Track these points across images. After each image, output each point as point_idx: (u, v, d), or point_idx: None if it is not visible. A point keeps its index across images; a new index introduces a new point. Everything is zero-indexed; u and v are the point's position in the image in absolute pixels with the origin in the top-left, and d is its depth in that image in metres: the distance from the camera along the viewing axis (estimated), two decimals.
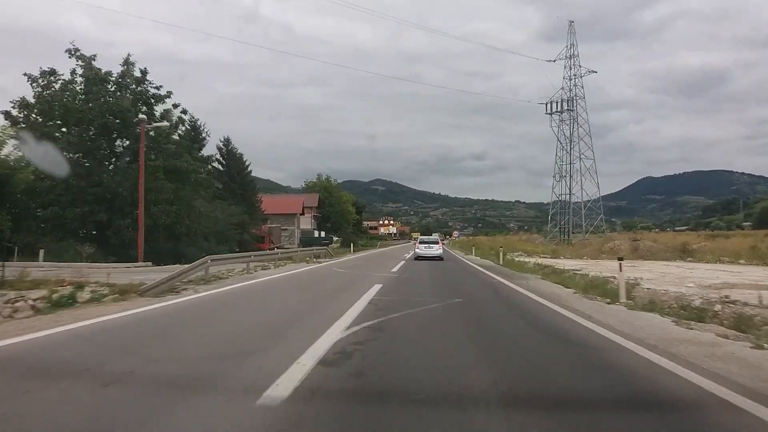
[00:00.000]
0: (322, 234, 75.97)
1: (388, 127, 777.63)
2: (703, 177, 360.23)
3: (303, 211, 70.24)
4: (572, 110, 56.66)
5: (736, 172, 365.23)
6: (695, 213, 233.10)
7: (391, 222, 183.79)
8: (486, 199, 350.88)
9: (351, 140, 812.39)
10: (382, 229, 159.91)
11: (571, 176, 56.51)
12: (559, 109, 57.29)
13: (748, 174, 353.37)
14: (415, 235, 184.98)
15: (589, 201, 57.26)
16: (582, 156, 56.92)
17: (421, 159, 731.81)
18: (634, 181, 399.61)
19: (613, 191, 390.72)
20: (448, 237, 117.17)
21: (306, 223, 71.87)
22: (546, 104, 57.99)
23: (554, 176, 58.14)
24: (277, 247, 53.38)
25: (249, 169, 44.63)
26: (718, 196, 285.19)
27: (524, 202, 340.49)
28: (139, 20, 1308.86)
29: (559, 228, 56.92)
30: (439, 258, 30.42)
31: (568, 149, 56.19)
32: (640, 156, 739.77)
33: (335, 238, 66.57)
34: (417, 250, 31.36)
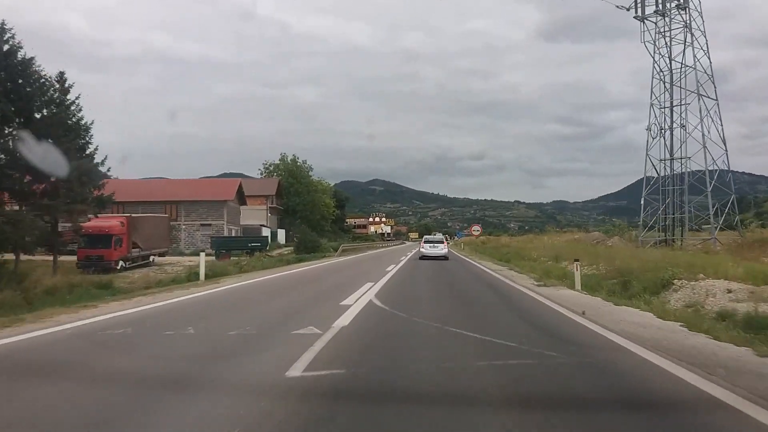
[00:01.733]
0: (280, 232, 52.85)
1: (387, 127, 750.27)
2: (703, 176, 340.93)
3: (242, 199, 46.70)
4: (684, 9, 30.82)
5: (737, 171, 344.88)
6: (698, 212, 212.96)
7: (384, 219, 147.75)
8: (485, 199, 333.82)
9: (348, 140, 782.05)
10: (372, 228, 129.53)
11: (682, 127, 31.42)
12: (659, 8, 31.66)
13: (749, 173, 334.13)
14: (412, 235, 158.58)
15: (715, 167, 32.08)
16: (700, 91, 30.02)
17: (420, 159, 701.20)
18: (634, 181, 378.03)
19: (614, 191, 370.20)
20: (449, 238, 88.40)
21: (255, 216, 48.45)
22: (633, 5, 32.37)
23: (648, 129, 32.54)
24: (159, 255, 29.93)
25: (56, 96, 19.94)
26: (719, 196, 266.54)
27: (524, 202, 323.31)
28: (134, 20, 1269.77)
29: (662, 221, 31.76)
30: (444, 257, 28.78)
31: (672, 81, 30.65)
32: (639, 156, 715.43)
33: (265, 240, 42.11)
34: (422, 250, 30.19)
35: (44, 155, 18.97)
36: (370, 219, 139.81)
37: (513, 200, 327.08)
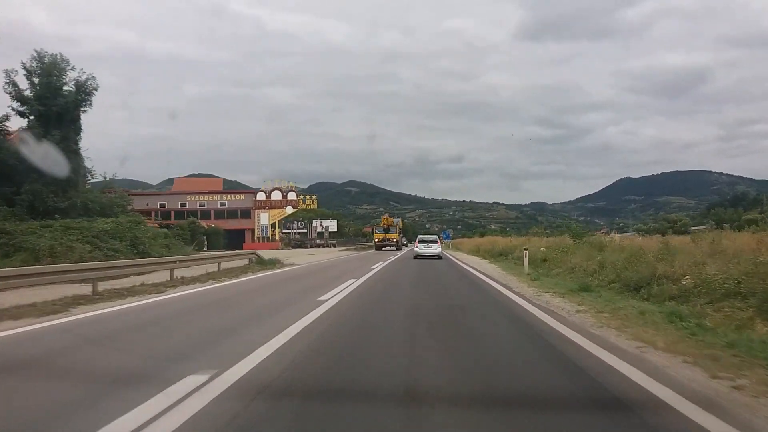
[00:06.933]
0: None
1: (364, 129, 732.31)
2: (682, 177, 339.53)
3: None
4: None
5: (715, 172, 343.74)
6: (678, 212, 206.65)
7: (307, 197, 78.61)
8: (464, 201, 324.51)
9: (325, 142, 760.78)
10: (264, 219, 71.08)
11: None
12: None
13: (727, 174, 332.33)
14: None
15: None
16: None
17: (398, 161, 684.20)
18: (612, 182, 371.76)
19: (592, 192, 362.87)
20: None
21: None
22: None
23: None
24: None
25: None
26: (699, 196, 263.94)
27: (503, 204, 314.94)
28: (101, 17, 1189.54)
29: None
30: (437, 257, 29.71)
31: None
32: (617, 157, 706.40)
33: None
34: (416, 249, 31.08)
35: None
36: (267, 195, 71.13)
37: (492, 202, 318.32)
